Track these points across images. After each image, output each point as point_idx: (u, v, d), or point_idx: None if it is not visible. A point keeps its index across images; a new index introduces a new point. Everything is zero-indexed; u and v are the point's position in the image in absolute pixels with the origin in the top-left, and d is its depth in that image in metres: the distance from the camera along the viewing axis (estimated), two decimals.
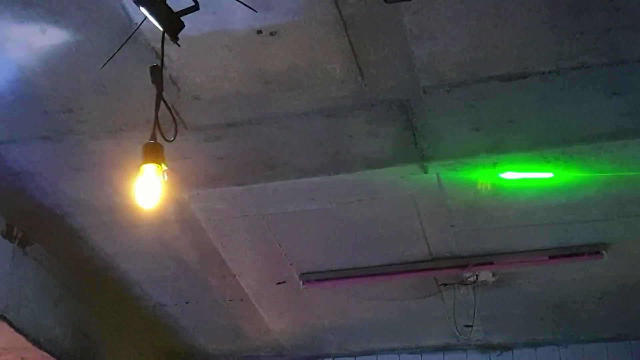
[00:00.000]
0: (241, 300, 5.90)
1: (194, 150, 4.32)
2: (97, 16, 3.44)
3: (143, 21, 3.28)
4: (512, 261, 5.28)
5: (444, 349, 6.55)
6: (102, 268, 5.47)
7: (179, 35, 3.12)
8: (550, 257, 5.19)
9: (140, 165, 3.22)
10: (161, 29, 3.07)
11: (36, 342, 5.02)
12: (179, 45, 3.26)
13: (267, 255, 5.37)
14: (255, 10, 3.32)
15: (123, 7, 3.39)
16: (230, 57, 3.67)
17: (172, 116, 3.31)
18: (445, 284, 5.62)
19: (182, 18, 3.10)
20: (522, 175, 4.47)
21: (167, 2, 3.05)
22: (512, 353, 6.46)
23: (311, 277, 5.56)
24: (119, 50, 3.41)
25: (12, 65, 3.71)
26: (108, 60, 3.47)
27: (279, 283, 5.68)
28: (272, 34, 3.52)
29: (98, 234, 5.11)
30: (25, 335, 4.92)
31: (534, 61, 3.67)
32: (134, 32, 3.42)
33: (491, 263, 5.31)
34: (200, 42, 3.57)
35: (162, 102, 3.21)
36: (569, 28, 3.47)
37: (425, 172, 4.46)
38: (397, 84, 3.84)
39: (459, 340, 6.34)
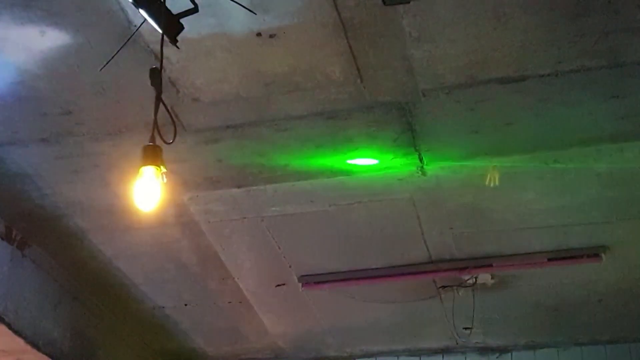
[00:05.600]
0: (240, 302, 5.90)
1: (193, 152, 4.32)
2: (96, 18, 3.44)
3: (142, 23, 3.28)
4: (511, 264, 5.27)
5: (443, 351, 6.54)
6: (101, 270, 5.47)
7: (179, 38, 3.13)
8: (549, 260, 5.18)
9: (139, 167, 3.22)
10: (160, 31, 3.07)
11: (35, 345, 5.02)
12: (178, 48, 3.27)
13: (266, 257, 5.37)
14: (254, 13, 3.32)
15: (122, 9, 3.39)
16: (229, 60, 3.67)
17: (172, 118, 3.31)
18: (444, 287, 5.62)
19: (182, 20, 3.10)
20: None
21: (167, 4, 3.05)
22: (511, 355, 6.45)
23: (310, 280, 5.55)
24: (118, 52, 3.41)
25: (11, 67, 3.71)
26: (107, 63, 3.47)
27: (278, 285, 5.68)
28: (271, 36, 3.52)
29: (97, 236, 5.11)
30: (24, 338, 4.91)
31: (533, 64, 3.67)
32: (133, 34, 3.42)
33: (490, 265, 5.30)
34: (200, 44, 3.57)
35: (161, 105, 3.21)
36: (568, 31, 3.47)
37: (424, 175, 4.46)
38: (396, 86, 3.84)
39: (457, 343, 6.35)
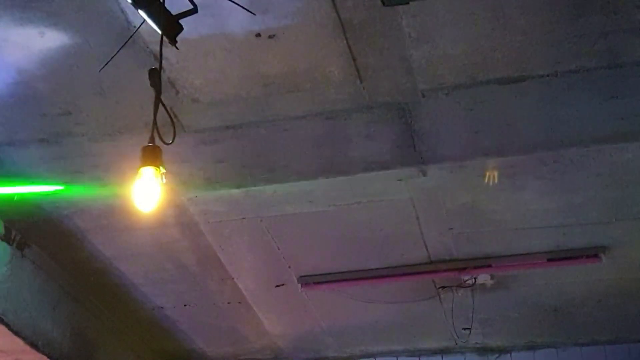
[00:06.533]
0: (239, 303, 5.90)
1: (193, 153, 4.32)
2: (95, 19, 3.44)
3: (142, 24, 3.28)
4: (510, 264, 5.27)
5: (442, 351, 6.54)
6: (101, 270, 5.46)
7: (178, 38, 3.13)
8: (549, 260, 5.18)
9: (139, 168, 3.22)
10: (160, 31, 3.07)
11: (34, 345, 5.02)
12: (177, 48, 3.27)
13: (266, 257, 5.37)
14: (253, 14, 3.32)
15: (122, 10, 3.39)
16: (228, 60, 3.67)
17: (171, 119, 3.30)
18: (443, 287, 5.62)
19: (181, 21, 3.10)
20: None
21: (166, 5, 3.05)
22: (510, 356, 6.45)
23: (310, 280, 5.55)
24: (117, 53, 3.41)
25: (10, 68, 3.71)
26: (106, 63, 3.47)
27: (278, 286, 5.68)
28: (270, 37, 3.52)
29: (96, 236, 5.10)
30: (23, 338, 4.91)
31: (533, 64, 3.67)
32: (132, 34, 3.42)
33: (489, 266, 5.30)
34: (199, 45, 3.57)
35: (160, 105, 3.21)
36: (567, 31, 3.47)
37: (424, 175, 4.46)
38: (396, 87, 3.84)
39: (457, 343, 6.34)
